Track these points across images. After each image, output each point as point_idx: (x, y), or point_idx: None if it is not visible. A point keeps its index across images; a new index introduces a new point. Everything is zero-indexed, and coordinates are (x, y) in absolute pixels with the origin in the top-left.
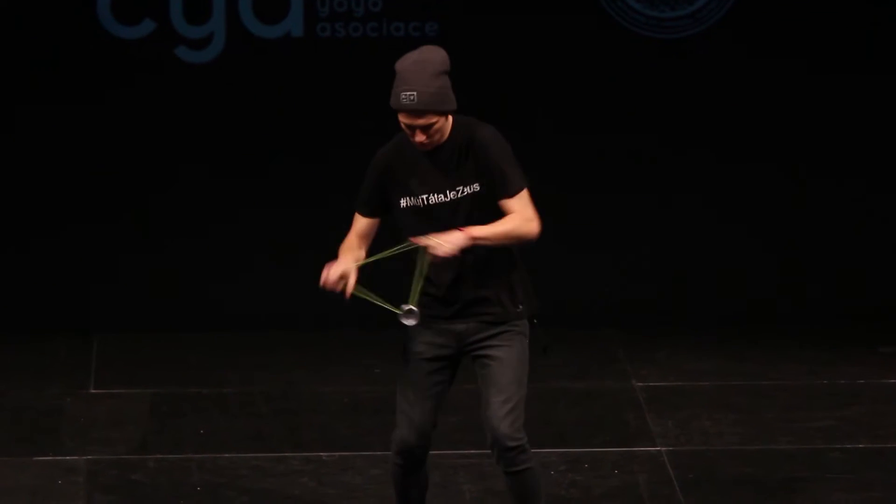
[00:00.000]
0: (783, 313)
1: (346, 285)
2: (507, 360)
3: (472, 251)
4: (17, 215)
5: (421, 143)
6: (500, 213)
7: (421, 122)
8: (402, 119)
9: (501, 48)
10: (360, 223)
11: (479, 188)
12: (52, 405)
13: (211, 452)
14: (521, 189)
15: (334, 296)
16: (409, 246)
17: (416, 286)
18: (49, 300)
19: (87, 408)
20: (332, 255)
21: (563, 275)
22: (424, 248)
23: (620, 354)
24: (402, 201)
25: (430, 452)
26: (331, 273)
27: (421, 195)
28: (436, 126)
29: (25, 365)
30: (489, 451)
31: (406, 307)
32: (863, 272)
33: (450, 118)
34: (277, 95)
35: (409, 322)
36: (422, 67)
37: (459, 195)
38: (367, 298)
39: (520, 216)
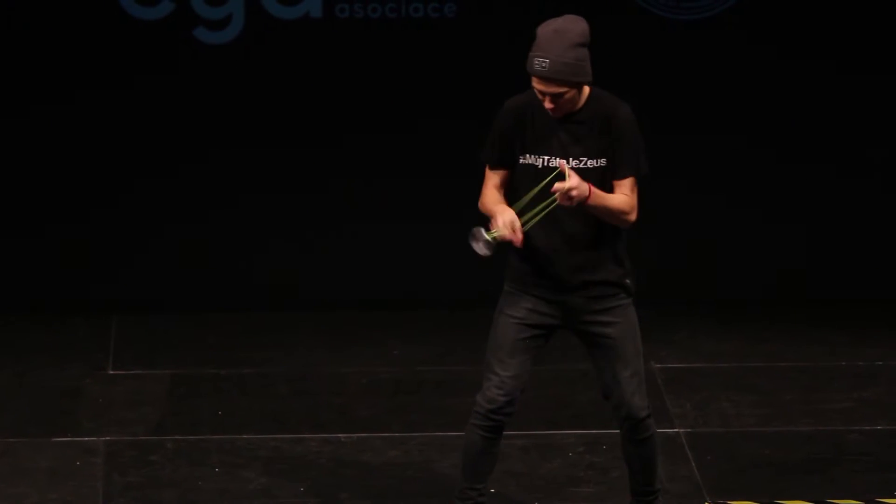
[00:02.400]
0: (802, 295)
1: (516, 231)
2: (626, 334)
3: (577, 219)
4: (35, 197)
5: (550, 110)
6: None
7: (551, 89)
8: (535, 84)
9: (519, 28)
10: (492, 177)
11: (604, 163)
12: (71, 386)
13: (229, 433)
14: (632, 175)
15: (351, 277)
16: (553, 202)
17: (535, 215)
18: (67, 281)
19: (106, 389)
20: (350, 235)
21: None
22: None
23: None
24: (521, 157)
25: (448, 434)
26: (504, 223)
27: (542, 156)
28: (566, 96)
29: (44, 346)
30: (508, 433)
31: (493, 233)
32: (883, 254)
33: (585, 89)
34: (296, 77)
35: (480, 249)
36: (559, 36)
37: (581, 165)
38: (534, 219)
39: (630, 200)
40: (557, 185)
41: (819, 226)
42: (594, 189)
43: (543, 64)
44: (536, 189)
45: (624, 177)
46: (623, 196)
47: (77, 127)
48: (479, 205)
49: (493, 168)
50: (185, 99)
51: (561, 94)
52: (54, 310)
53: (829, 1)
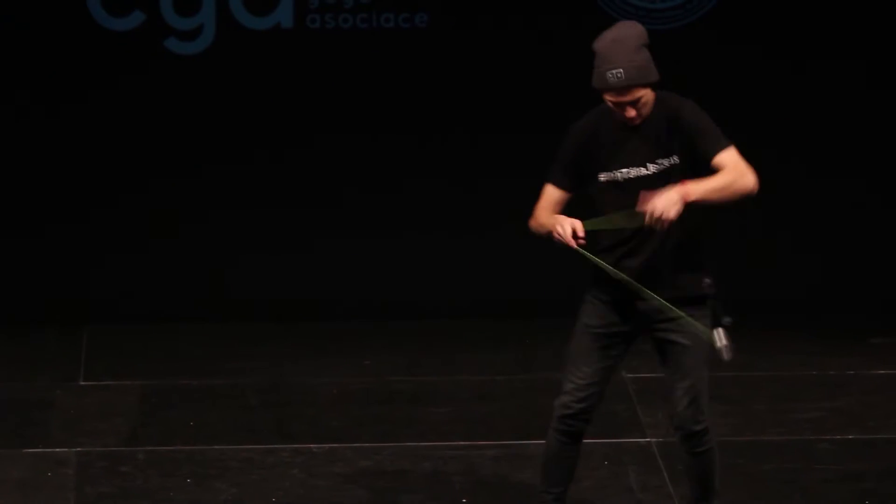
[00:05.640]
0: (773, 304)
1: (577, 239)
2: (692, 345)
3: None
4: (4, 209)
5: (631, 119)
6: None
7: (629, 97)
8: (610, 98)
9: (491, 39)
10: (553, 196)
11: (677, 161)
12: (42, 397)
13: (201, 444)
14: (729, 145)
15: (322, 288)
16: (635, 218)
17: (607, 225)
18: (39, 292)
19: (77, 400)
20: (320, 248)
21: (553, 266)
22: (636, 216)
23: None
24: (600, 176)
25: (423, 444)
26: (565, 229)
27: (620, 169)
28: (643, 99)
29: (15, 357)
30: (480, 443)
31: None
32: (853, 263)
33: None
34: (267, 87)
35: (726, 353)
36: (622, 44)
37: (660, 169)
38: (593, 259)
39: (734, 169)
40: (646, 213)
41: (792, 234)
42: (685, 186)
43: (619, 74)
44: (619, 221)
45: (717, 152)
46: (726, 170)
47: (44, 138)
48: (532, 222)
49: (556, 186)
50: (156, 109)
51: (639, 99)
52: (25, 321)
53: (798, 7)
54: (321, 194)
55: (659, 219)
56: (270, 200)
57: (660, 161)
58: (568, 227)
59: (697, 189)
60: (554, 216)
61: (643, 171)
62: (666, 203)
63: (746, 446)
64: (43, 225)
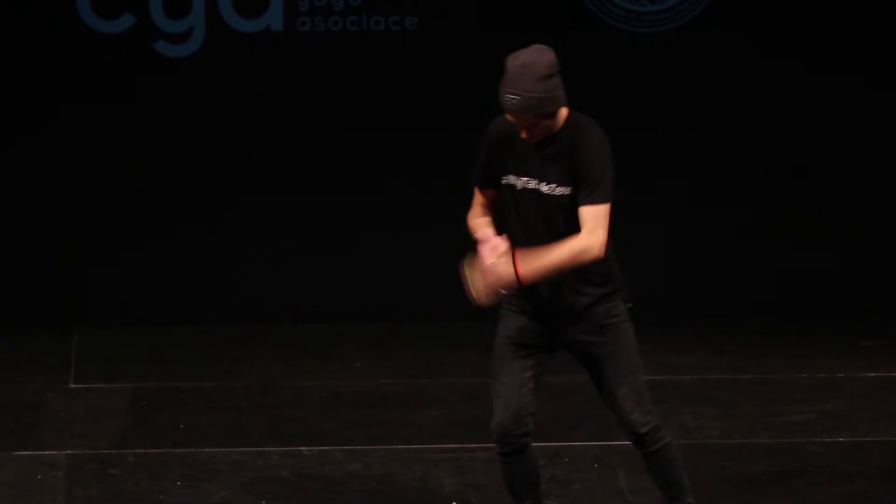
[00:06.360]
0: (764, 307)
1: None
2: (616, 351)
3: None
4: None
5: (525, 139)
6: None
7: (523, 123)
8: (507, 116)
9: (480, 42)
10: (479, 196)
11: (570, 192)
12: (32, 400)
13: (191, 447)
14: (601, 203)
15: (313, 290)
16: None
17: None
18: (29, 295)
19: (67, 402)
20: (312, 249)
21: None
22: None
23: None
24: (503, 178)
25: (413, 447)
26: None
27: (521, 177)
28: (540, 126)
29: (5, 360)
30: (470, 445)
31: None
32: (843, 267)
33: (563, 111)
34: (257, 90)
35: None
36: (527, 70)
37: (553, 192)
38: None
39: (575, 242)
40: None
41: (783, 237)
42: (521, 267)
43: (514, 100)
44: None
45: (587, 203)
46: (569, 244)
47: (35, 141)
48: (468, 221)
49: (479, 187)
50: (145, 113)
51: (534, 125)
52: (15, 323)
53: (790, 11)
54: (311, 197)
55: (485, 292)
56: (261, 203)
57: (554, 184)
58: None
59: (532, 270)
60: (475, 229)
61: (538, 185)
62: (497, 280)
63: (737, 449)
64: (34, 228)
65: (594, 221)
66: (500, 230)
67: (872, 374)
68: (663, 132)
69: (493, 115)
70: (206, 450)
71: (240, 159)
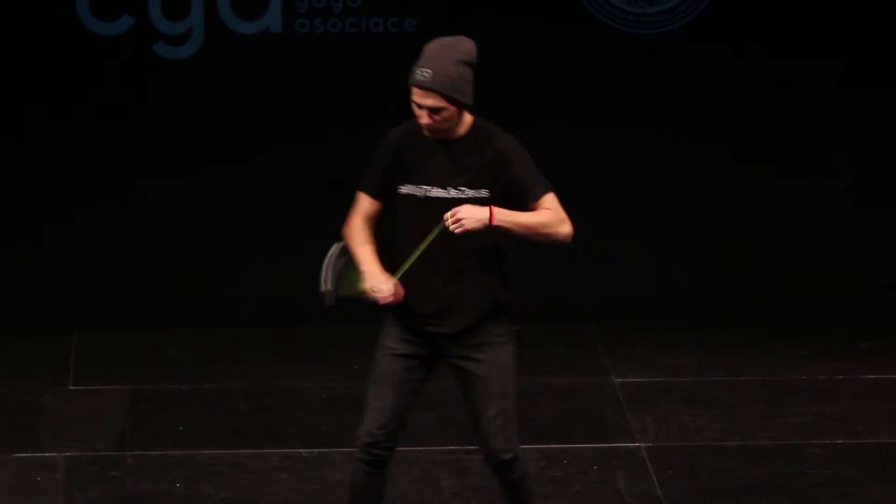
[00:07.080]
0: (762, 309)
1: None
2: (492, 372)
3: (452, 251)
4: None
5: (426, 126)
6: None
7: (430, 102)
8: (413, 96)
9: (479, 44)
10: (365, 205)
11: (486, 195)
12: (32, 401)
13: (190, 449)
14: (548, 192)
15: (312, 291)
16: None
17: (411, 260)
18: (28, 296)
19: (67, 404)
20: (308, 252)
21: (543, 270)
22: (440, 225)
23: (600, 350)
24: (402, 188)
25: (412, 449)
26: (385, 295)
27: (422, 185)
28: (444, 113)
29: (4, 361)
30: (468, 447)
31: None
32: (843, 268)
33: (467, 117)
34: (256, 91)
35: (327, 301)
36: (445, 52)
37: (462, 196)
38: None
39: (553, 214)
40: (448, 214)
41: (780, 238)
42: (497, 209)
43: (426, 73)
44: (418, 252)
45: (539, 196)
46: (545, 211)
47: (32, 143)
48: (344, 232)
49: (369, 195)
50: (144, 114)
51: (440, 109)
52: (14, 325)
53: (785, 14)
54: (311, 197)
55: (458, 221)
56: (260, 203)
57: (462, 188)
58: (387, 292)
59: (507, 217)
60: (369, 271)
61: (443, 193)
62: (471, 212)
63: (736, 451)
64: (32, 229)
65: (557, 208)
66: (393, 244)
67: (872, 376)
68: (662, 133)
69: (492, 116)
70: (206, 452)
71: (239, 160)
